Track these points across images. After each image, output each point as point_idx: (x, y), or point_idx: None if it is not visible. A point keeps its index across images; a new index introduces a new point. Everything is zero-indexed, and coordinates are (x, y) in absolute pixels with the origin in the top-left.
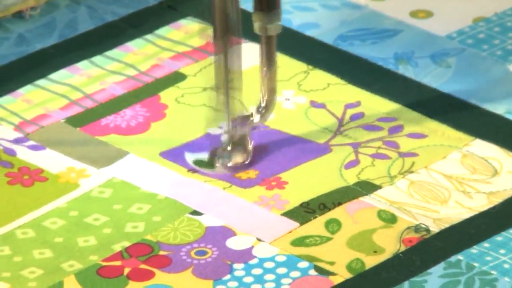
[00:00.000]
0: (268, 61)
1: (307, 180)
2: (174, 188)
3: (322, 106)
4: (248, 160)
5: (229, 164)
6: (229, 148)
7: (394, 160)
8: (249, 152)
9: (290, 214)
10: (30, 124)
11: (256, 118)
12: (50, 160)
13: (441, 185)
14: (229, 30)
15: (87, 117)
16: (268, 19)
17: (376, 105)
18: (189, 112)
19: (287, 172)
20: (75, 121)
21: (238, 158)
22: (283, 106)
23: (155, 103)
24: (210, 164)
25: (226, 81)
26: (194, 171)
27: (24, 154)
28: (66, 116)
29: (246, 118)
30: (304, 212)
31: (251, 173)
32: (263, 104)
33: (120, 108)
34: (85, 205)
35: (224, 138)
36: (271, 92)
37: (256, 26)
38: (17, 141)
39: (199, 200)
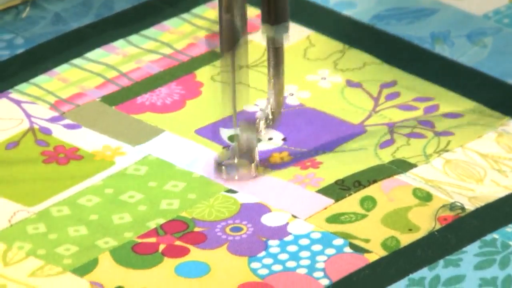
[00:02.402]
0: (276, 72)
1: (342, 160)
2: (209, 166)
3: (358, 85)
4: (255, 174)
5: (236, 178)
6: (235, 160)
7: (430, 139)
8: (256, 164)
9: (325, 191)
10: (66, 103)
11: (263, 131)
12: (85, 139)
13: (477, 163)
14: (236, 42)
15: (122, 96)
16: (276, 31)
17: (412, 84)
18: (224, 89)
19: (323, 155)
20: (111, 99)
21: (244, 171)
22: (319, 85)
23: (190, 81)
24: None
25: (234, 95)
26: (228, 147)
27: (59, 132)
28: (102, 95)
29: (254, 130)
30: (339, 189)
31: (286, 157)
32: (270, 116)
33: (156, 86)
34: (120, 182)
35: (231, 150)
36: (278, 104)
37: (264, 37)
38: (52, 120)
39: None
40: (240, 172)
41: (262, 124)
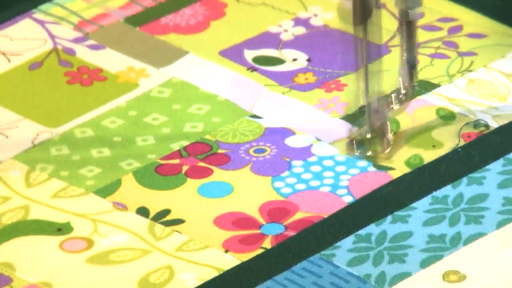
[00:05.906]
0: (409, 46)
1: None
2: (233, 89)
3: (382, 6)
4: (388, 149)
5: (368, 154)
6: (368, 136)
7: (453, 59)
8: (389, 140)
9: (349, 118)
10: (90, 24)
11: (396, 106)
12: (109, 60)
13: (500, 83)
14: (368, 15)
15: (146, 16)
16: (409, 4)
17: (435, 5)
18: (248, 10)
19: (347, 76)
20: (135, 20)
21: (377, 147)
22: (343, 6)
23: (214, 2)
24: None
25: (366, 69)
26: (253, 69)
27: (83, 53)
28: (126, 15)
29: (386, 106)
30: (363, 115)
31: (310, 78)
32: (403, 91)
33: (180, 7)
34: (144, 104)
35: (364, 126)
36: (412, 78)
37: (397, 10)
38: (76, 40)
39: (259, 104)
40: (373, 148)
41: (394, 99)
